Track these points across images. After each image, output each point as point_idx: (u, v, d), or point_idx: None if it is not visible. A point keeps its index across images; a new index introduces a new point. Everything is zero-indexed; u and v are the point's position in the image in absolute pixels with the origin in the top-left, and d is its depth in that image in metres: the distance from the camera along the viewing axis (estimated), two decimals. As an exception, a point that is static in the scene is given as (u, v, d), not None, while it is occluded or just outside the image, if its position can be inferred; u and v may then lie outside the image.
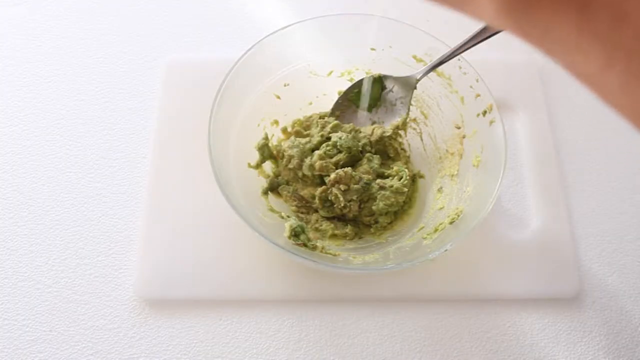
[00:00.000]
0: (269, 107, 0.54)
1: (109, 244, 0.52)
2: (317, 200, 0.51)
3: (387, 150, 0.55)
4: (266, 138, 0.52)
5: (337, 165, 0.51)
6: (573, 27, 0.22)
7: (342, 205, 0.50)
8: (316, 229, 0.51)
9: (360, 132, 0.54)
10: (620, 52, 0.21)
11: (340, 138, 0.51)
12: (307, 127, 0.55)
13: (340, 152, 0.51)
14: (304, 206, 0.52)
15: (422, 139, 0.55)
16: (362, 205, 0.51)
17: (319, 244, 0.47)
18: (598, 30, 0.21)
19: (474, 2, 0.23)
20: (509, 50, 0.63)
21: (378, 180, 0.51)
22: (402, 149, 0.55)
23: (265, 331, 0.48)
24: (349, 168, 0.50)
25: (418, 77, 0.51)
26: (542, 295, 0.50)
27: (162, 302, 0.49)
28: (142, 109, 0.59)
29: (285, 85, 0.54)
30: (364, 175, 0.51)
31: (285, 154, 0.52)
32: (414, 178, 0.54)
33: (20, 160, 0.56)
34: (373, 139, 0.53)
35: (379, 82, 0.54)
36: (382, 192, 0.50)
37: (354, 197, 0.50)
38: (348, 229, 0.51)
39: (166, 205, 0.53)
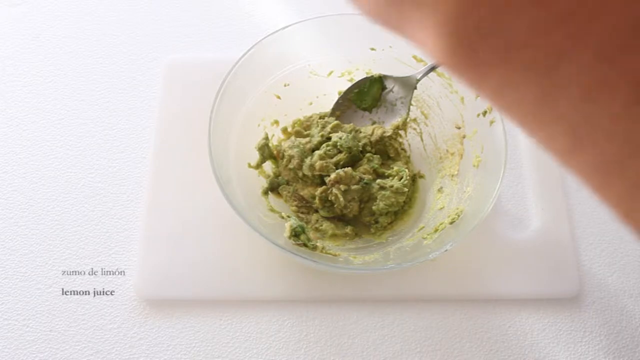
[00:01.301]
0: (269, 107, 0.54)
1: (109, 244, 0.52)
2: (317, 201, 0.51)
3: (387, 150, 0.54)
4: (266, 138, 0.52)
5: (337, 165, 0.51)
6: (531, 96, 0.16)
7: (342, 205, 0.50)
8: (316, 229, 0.51)
9: (360, 132, 0.54)
10: (594, 136, 0.16)
11: (340, 138, 0.51)
12: (307, 127, 0.55)
13: (340, 152, 0.51)
14: (304, 206, 0.52)
15: (422, 139, 0.55)
16: (362, 205, 0.51)
17: (319, 244, 0.47)
18: (562, 106, 0.16)
19: (409, 27, 0.18)
20: (509, 50, 0.63)
21: (378, 181, 0.51)
22: (402, 149, 0.55)
23: (265, 331, 0.48)
24: (349, 168, 0.50)
25: (418, 77, 0.51)
26: (542, 295, 0.50)
27: (162, 302, 0.49)
28: (142, 109, 0.59)
29: (285, 85, 0.54)
30: (364, 176, 0.51)
31: (286, 154, 0.52)
32: (414, 178, 0.54)
33: (20, 160, 0.56)
34: (373, 139, 0.53)
35: (379, 82, 0.54)
36: (382, 192, 0.50)
37: (354, 197, 0.50)
38: (348, 229, 0.51)
39: (166, 205, 0.53)
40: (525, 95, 0.16)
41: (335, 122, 0.53)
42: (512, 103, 0.17)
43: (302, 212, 0.52)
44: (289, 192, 0.52)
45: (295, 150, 0.52)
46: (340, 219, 0.52)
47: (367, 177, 0.51)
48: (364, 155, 0.53)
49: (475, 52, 0.16)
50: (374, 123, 0.55)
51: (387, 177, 0.52)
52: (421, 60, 0.52)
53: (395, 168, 0.52)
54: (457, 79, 0.18)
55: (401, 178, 0.51)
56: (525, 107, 0.17)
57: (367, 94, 0.54)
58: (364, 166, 0.52)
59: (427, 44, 0.17)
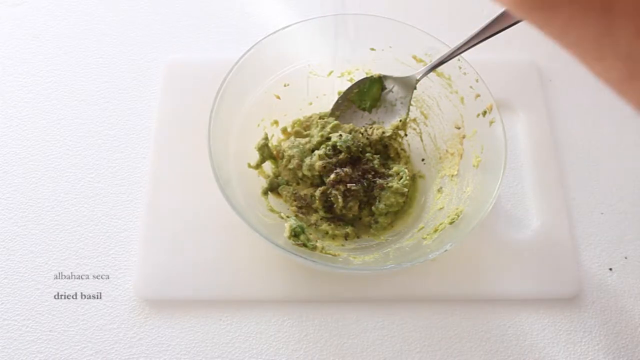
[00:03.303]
0: (269, 107, 0.54)
1: (109, 244, 0.52)
2: (316, 201, 0.51)
3: (387, 150, 0.54)
4: (266, 138, 0.52)
5: (337, 165, 0.51)
6: (591, 34, 0.20)
7: (342, 205, 0.50)
8: (316, 229, 0.51)
9: (360, 132, 0.54)
10: None
11: (340, 138, 0.51)
12: (307, 127, 0.55)
13: (340, 152, 0.51)
14: (304, 206, 0.52)
15: (422, 139, 0.55)
16: (362, 206, 0.51)
17: (318, 244, 0.47)
18: (619, 41, 0.19)
19: None
20: (509, 50, 0.63)
21: (378, 181, 0.51)
22: (402, 149, 0.55)
23: (265, 331, 0.48)
24: (349, 168, 0.50)
25: (418, 77, 0.51)
26: (542, 295, 0.50)
27: (162, 302, 0.49)
28: (142, 109, 0.59)
29: (285, 85, 0.54)
30: (363, 176, 0.51)
31: (285, 154, 0.52)
32: (413, 178, 0.54)
33: (20, 160, 0.56)
34: (373, 139, 0.53)
35: (379, 82, 0.54)
36: (382, 192, 0.50)
37: (354, 198, 0.50)
38: (348, 230, 0.51)
39: (166, 205, 0.53)
40: (586, 33, 0.20)
41: (335, 122, 0.53)
42: (575, 41, 0.21)
43: (301, 213, 0.52)
44: (288, 192, 0.52)
45: (295, 150, 0.52)
46: (340, 219, 0.52)
47: (366, 177, 0.51)
48: (364, 156, 0.53)
49: None
50: (373, 123, 0.55)
51: (387, 177, 0.52)
52: (421, 61, 0.52)
53: (395, 168, 0.52)
54: (527, 23, 0.22)
55: (401, 178, 0.51)
56: (586, 44, 0.20)
57: (367, 94, 0.54)
58: (364, 166, 0.52)
59: None
